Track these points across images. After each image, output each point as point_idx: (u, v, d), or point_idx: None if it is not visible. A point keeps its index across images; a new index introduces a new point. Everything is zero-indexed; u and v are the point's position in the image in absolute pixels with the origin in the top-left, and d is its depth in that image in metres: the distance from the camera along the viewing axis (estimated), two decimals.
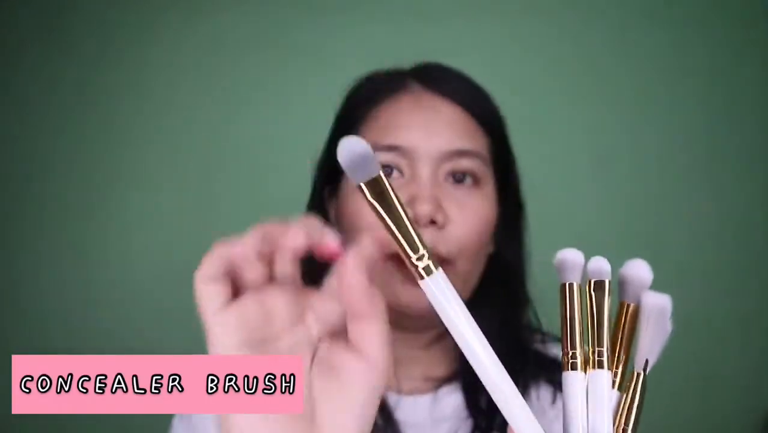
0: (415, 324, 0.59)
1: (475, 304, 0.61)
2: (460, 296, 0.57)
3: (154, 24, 1.27)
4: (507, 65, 1.22)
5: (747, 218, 1.26)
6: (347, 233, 0.58)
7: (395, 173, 0.57)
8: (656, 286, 1.35)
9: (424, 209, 0.53)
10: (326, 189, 0.64)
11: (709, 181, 1.26)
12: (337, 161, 0.59)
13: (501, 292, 0.63)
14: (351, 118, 0.61)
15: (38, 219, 1.28)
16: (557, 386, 0.63)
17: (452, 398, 0.62)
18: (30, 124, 1.28)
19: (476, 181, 0.58)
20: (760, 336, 1.25)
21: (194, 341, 0.35)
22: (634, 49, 1.25)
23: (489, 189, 0.59)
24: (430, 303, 0.53)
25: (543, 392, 0.63)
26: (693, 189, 1.26)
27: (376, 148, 0.56)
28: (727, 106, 1.26)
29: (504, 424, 0.59)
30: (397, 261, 0.52)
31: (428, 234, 0.54)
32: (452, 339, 0.61)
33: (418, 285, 0.52)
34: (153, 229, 1.28)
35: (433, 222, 0.54)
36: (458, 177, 0.57)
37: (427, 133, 0.56)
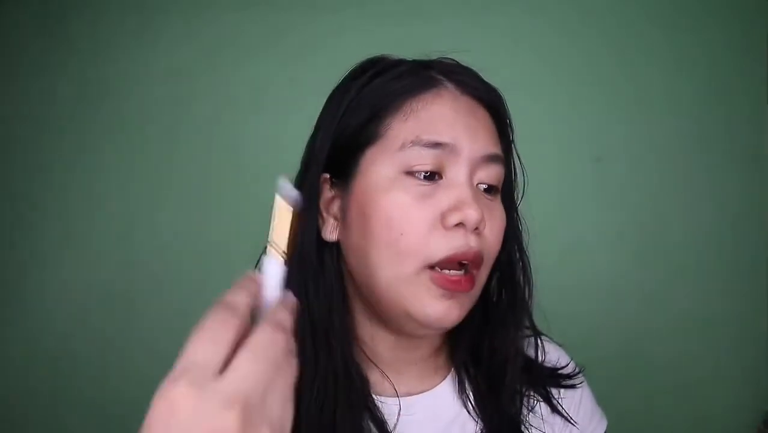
0: (423, 333, 0.58)
1: (489, 317, 0.62)
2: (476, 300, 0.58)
3: (153, 24, 1.27)
4: (507, 65, 1.22)
5: (744, 218, 1.26)
6: (363, 229, 0.55)
7: (436, 177, 0.54)
8: (656, 285, 1.34)
9: (475, 215, 0.52)
10: (323, 176, 0.58)
11: (707, 182, 1.26)
12: (346, 147, 0.57)
13: (510, 294, 0.63)
14: (378, 104, 0.56)
15: (37, 219, 1.28)
16: (549, 401, 0.64)
17: (447, 395, 0.62)
18: (29, 125, 1.28)
19: (497, 190, 0.58)
20: (758, 336, 1.25)
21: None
22: (633, 49, 1.25)
23: (500, 195, 0.59)
24: (456, 319, 0.54)
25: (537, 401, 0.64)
26: (691, 189, 1.26)
27: (419, 142, 0.54)
28: (726, 106, 1.26)
29: (500, 421, 0.60)
30: (435, 275, 0.53)
31: (473, 239, 0.54)
32: (452, 346, 0.62)
33: (449, 300, 0.54)
34: (153, 229, 1.28)
35: (475, 228, 0.54)
36: (485, 188, 0.57)
37: (469, 134, 0.55)
